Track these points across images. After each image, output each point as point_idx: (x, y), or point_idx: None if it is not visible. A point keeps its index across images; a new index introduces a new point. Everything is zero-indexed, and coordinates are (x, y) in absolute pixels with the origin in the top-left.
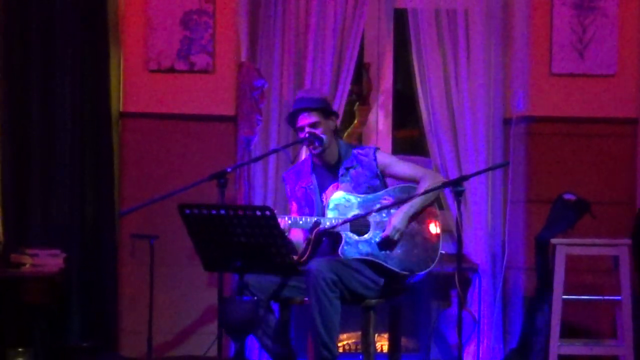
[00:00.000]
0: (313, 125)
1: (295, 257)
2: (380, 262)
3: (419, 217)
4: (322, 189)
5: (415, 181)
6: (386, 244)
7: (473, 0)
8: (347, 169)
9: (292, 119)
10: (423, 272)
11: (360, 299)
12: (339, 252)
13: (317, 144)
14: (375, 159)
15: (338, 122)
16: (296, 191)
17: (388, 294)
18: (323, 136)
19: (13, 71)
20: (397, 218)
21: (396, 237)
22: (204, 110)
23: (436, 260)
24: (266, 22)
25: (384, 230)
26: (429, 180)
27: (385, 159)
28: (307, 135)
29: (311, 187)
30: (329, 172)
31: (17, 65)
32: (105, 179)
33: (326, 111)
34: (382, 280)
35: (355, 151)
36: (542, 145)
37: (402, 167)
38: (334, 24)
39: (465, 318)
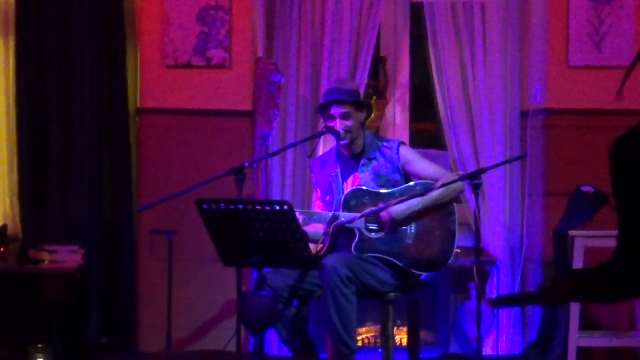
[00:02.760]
0: (344, 116)
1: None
2: (393, 260)
3: (436, 216)
4: (345, 178)
5: (435, 182)
6: (377, 224)
7: None
8: (370, 160)
9: (324, 107)
10: (436, 272)
11: (377, 294)
12: (352, 249)
13: (344, 139)
14: (398, 153)
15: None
16: (320, 179)
17: (404, 288)
18: (351, 129)
19: (30, 69)
20: (399, 208)
21: (388, 224)
22: (221, 106)
23: (450, 260)
24: (283, 17)
25: (393, 226)
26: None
27: (408, 154)
28: (339, 127)
29: (334, 175)
30: (352, 161)
31: (34, 62)
32: (123, 175)
33: (359, 104)
34: (396, 277)
35: (380, 143)
36: (559, 137)
37: (424, 166)
38: (350, 18)
39: (484, 311)
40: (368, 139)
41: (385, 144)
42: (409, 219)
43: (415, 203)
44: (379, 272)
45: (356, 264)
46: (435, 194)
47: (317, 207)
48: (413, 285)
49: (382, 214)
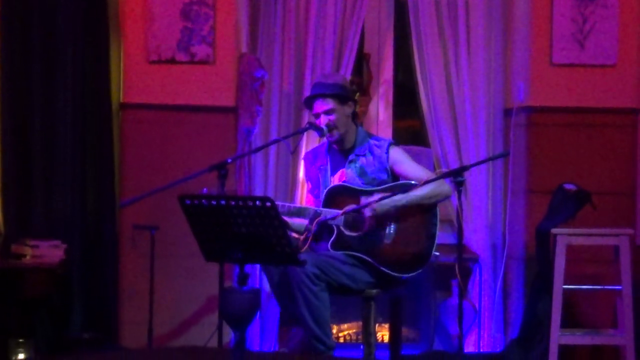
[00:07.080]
0: (328, 112)
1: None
2: (368, 259)
3: (417, 218)
4: (333, 172)
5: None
6: (356, 221)
7: None
8: (358, 156)
9: (308, 104)
10: (412, 274)
11: (352, 292)
12: (328, 246)
13: (330, 135)
14: (387, 153)
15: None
16: (311, 172)
17: (384, 286)
18: (335, 123)
19: (13, 62)
20: (382, 202)
21: (370, 220)
22: (205, 101)
23: (426, 264)
24: (266, 13)
25: (372, 227)
26: (434, 184)
27: (397, 155)
28: (323, 122)
29: (323, 168)
30: (341, 156)
31: (17, 56)
32: (106, 169)
33: (342, 97)
34: (373, 275)
35: (371, 140)
36: (542, 135)
37: (412, 167)
38: (334, 15)
39: (466, 308)
40: (360, 135)
41: (375, 141)
42: (390, 215)
43: (398, 198)
44: (353, 270)
45: (325, 262)
46: (419, 193)
47: (307, 200)
48: (394, 282)
49: (365, 210)
